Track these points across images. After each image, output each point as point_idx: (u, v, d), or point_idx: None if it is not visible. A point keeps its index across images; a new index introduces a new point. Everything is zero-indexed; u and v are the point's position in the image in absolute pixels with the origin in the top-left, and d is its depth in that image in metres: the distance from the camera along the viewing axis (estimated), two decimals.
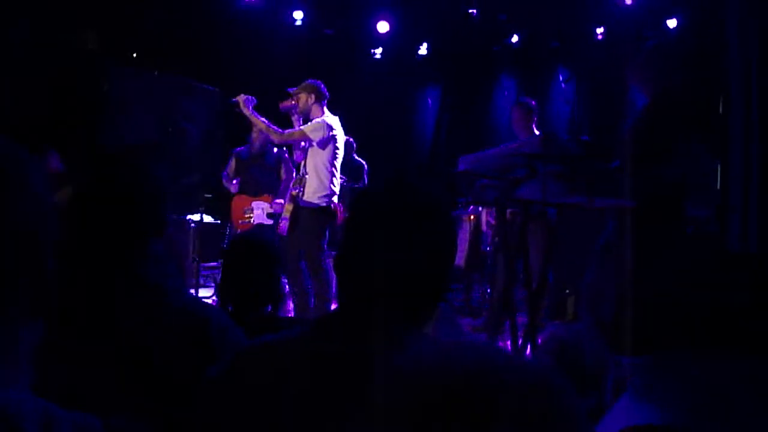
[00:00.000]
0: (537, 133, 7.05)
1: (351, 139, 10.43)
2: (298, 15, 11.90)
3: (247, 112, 6.75)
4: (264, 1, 11.41)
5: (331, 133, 6.69)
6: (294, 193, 6.70)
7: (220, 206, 9.02)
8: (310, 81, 6.86)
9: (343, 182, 9.47)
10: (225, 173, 7.85)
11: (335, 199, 6.80)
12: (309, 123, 6.69)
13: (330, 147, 6.72)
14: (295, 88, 6.86)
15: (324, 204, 6.69)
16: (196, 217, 8.99)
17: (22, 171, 1.10)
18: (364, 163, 10.31)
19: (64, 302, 1.69)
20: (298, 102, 6.78)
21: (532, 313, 4.54)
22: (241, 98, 6.79)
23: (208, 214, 9.05)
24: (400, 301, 1.60)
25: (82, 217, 1.98)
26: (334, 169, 6.77)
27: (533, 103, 7.22)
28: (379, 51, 13.04)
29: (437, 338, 1.64)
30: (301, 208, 6.70)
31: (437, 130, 13.22)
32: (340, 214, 8.17)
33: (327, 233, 6.76)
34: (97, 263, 1.94)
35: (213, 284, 9.70)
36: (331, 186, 6.73)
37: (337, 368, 1.55)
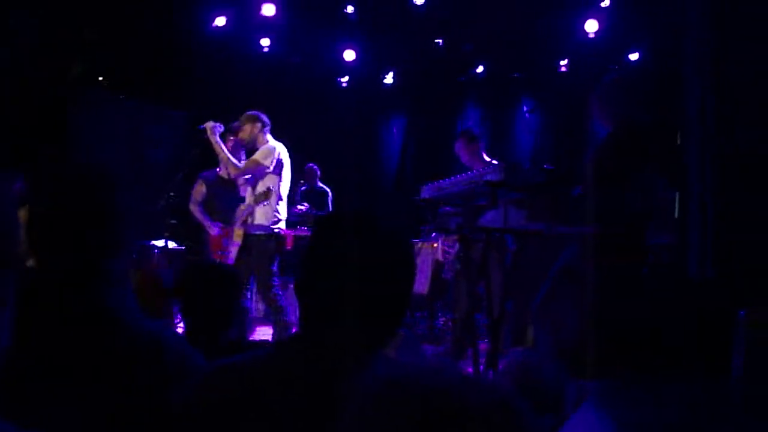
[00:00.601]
0: (487, 159, 7.16)
1: (315, 166, 10.48)
2: (265, 42, 11.92)
3: (213, 139, 6.79)
4: (232, 28, 11.43)
5: (279, 157, 6.79)
6: (244, 219, 6.76)
7: (185, 232, 8.99)
8: (251, 112, 6.96)
9: (307, 209, 9.50)
10: (192, 197, 7.83)
11: (283, 225, 6.89)
12: (258, 151, 6.80)
13: (277, 172, 6.82)
14: (236, 123, 6.94)
15: (274, 230, 6.77)
16: (160, 242, 8.95)
17: None
18: (328, 190, 10.35)
19: (19, 321, 1.70)
20: (242, 133, 6.87)
21: (493, 340, 4.59)
22: (209, 125, 6.82)
23: (172, 239, 9.02)
24: (360, 325, 1.65)
25: (39, 236, 1.97)
26: (281, 194, 6.87)
27: (476, 131, 7.37)
28: (345, 79, 13.08)
29: (400, 361, 1.69)
30: (251, 234, 6.77)
31: (402, 159, 13.25)
32: (290, 240, 8.22)
33: (277, 259, 6.81)
34: (53, 284, 1.91)
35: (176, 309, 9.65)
36: (279, 211, 6.84)
37: (300, 390, 1.58)
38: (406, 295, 1.78)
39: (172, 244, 9.18)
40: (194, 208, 7.61)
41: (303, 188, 10.38)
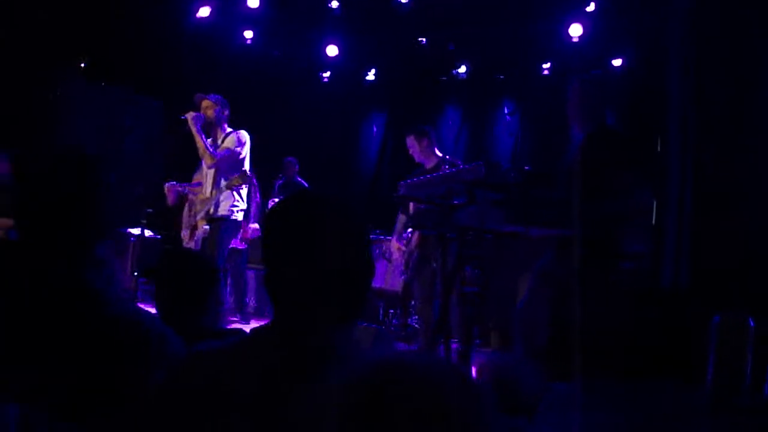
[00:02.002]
0: (440, 154, 7.17)
1: (293, 160, 10.44)
2: (248, 34, 11.88)
3: (194, 129, 6.76)
4: (215, 18, 11.38)
5: (246, 143, 6.89)
6: (207, 209, 6.77)
7: (161, 221, 8.97)
8: (219, 96, 7.04)
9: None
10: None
11: (240, 215, 6.97)
12: (228, 138, 6.87)
13: (246, 159, 6.92)
14: (204, 97, 6.93)
15: (238, 216, 6.89)
16: (136, 230, 8.93)
17: None
18: (306, 184, 10.33)
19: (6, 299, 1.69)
20: (209, 111, 6.91)
21: (465, 339, 4.58)
22: (190, 115, 6.79)
23: (149, 228, 8.99)
24: (325, 305, 1.67)
25: (27, 218, 1.97)
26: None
27: (426, 127, 7.37)
28: (327, 74, 13.07)
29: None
30: (215, 220, 6.81)
31: (381, 156, 13.25)
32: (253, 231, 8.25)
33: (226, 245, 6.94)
34: (40, 265, 1.92)
35: (150, 298, 9.63)
36: (243, 198, 6.94)
37: (274, 375, 1.60)
38: (364, 269, 1.80)
39: (148, 233, 9.16)
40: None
41: (280, 182, 10.34)
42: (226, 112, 6.92)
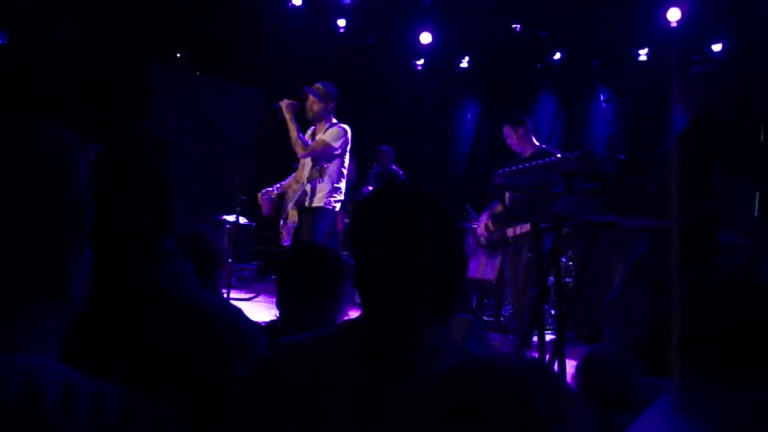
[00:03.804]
0: (537, 143, 7.06)
1: (388, 148, 10.45)
2: (341, 22, 11.94)
3: (288, 116, 6.77)
4: (308, 7, 11.47)
5: (348, 138, 6.82)
6: (297, 199, 6.78)
7: (256, 209, 9.09)
8: (330, 88, 6.92)
9: None
10: None
11: (338, 205, 6.89)
12: (328, 131, 6.79)
13: (344, 153, 6.86)
14: (311, 89, 6.89)
15: (336, 206, 6.82)
16: (231, 218, 9.05)
17: (70, 157, 1.12)
18: (400, 172, 10.32)
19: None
20: (315, 105, 6.84)
21: (560, 331, 4.53)
22: (284, 103, 6.79)
23: (243, 216, 9.11)
24: (418, 304, 1.63)
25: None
26: (343, 173, 6.90)
27: (523, 116, 7.25)
28: (420, 62, 13.05)
29: (465, 349, 1.67)
30: (309, 210, 6.78)
31: (475, 144, 13.20)
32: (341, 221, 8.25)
33: (323, 234, 6.83)
34: (106, 260, 1.87)
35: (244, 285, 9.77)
36: (341, 189, 6.88)
37: (362, 370, 1.58)
38: (458, 264, 1.76)
39: (243, 220, 9.28)
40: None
41: (375, 170, 10.37)
42: (332, 105, 6.86)
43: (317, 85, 6.87)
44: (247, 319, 2.02)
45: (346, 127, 6.83)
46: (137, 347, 1.77)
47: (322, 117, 6.84)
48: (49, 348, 1.13)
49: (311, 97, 6.80)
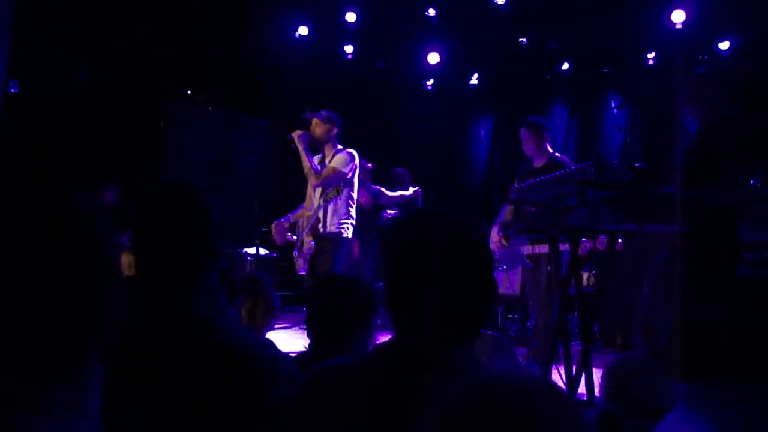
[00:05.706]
0: (551, 151, 6.97)
1: (403, 170, 10.44)
2: (348, 49, 12.01)
3: (300, 148, 6.82)
4: (314, 36, 11.55)
5: (356, 163, 6.87)
6: (312, 225, 6.80)
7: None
8: (331, 113, 7.01)
9: (396, 214, 9.48)
10: None
11: (350, 231, 6.91)
12: (335, 158, 6.84)
13: (353, 177, 6.91)
14: (313, 115, 6.97)
15: (348, 233, 6.84)
16: (252, 250, 9.09)
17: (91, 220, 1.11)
18: (419, 190, 10.28)
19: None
20: (318, 129, 6.91)
21: (585, 341, 4.53)
22: (296, 134, 6.85)
23: (263, 246, 9.15)
24: (445, 328, 1.66)
25: (141, 248, 2.03)
26: (353, 198, 6.94)
27: (543, 121, 7.16)
28: (430, 82, 13.09)
29: (491, 366, 1.69)
30: (324, 238, 6.80)
31: (490, 160, 13.20)
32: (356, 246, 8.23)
33: (340, 263, 6.84)
34: (152, 293, 1.98)
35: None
36: (351, 215, 6.90)
37: (393, 392, 1.61)
38: (486, 288, 1.79)
39: (263, 251, 9.31)
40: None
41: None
42: (336, 130, 6.91)
43: (320, 112, 6.98)
44: (279, 350, 2.09)
45: (353, 151, 6.89)
46: (178, 374, 1.83)
47: (326, 141, 6.91)
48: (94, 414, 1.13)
49: (315, 120, 6.88)
